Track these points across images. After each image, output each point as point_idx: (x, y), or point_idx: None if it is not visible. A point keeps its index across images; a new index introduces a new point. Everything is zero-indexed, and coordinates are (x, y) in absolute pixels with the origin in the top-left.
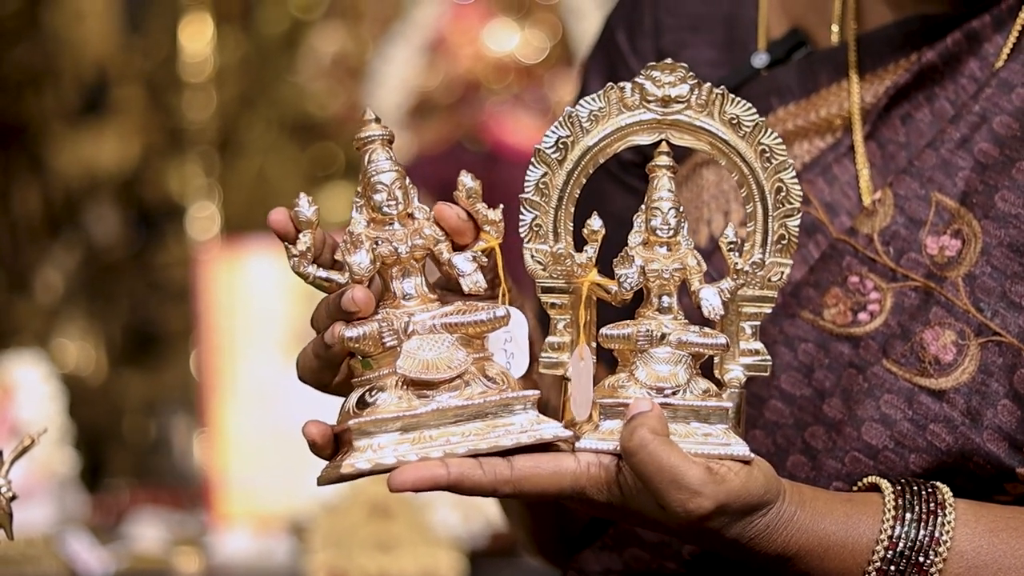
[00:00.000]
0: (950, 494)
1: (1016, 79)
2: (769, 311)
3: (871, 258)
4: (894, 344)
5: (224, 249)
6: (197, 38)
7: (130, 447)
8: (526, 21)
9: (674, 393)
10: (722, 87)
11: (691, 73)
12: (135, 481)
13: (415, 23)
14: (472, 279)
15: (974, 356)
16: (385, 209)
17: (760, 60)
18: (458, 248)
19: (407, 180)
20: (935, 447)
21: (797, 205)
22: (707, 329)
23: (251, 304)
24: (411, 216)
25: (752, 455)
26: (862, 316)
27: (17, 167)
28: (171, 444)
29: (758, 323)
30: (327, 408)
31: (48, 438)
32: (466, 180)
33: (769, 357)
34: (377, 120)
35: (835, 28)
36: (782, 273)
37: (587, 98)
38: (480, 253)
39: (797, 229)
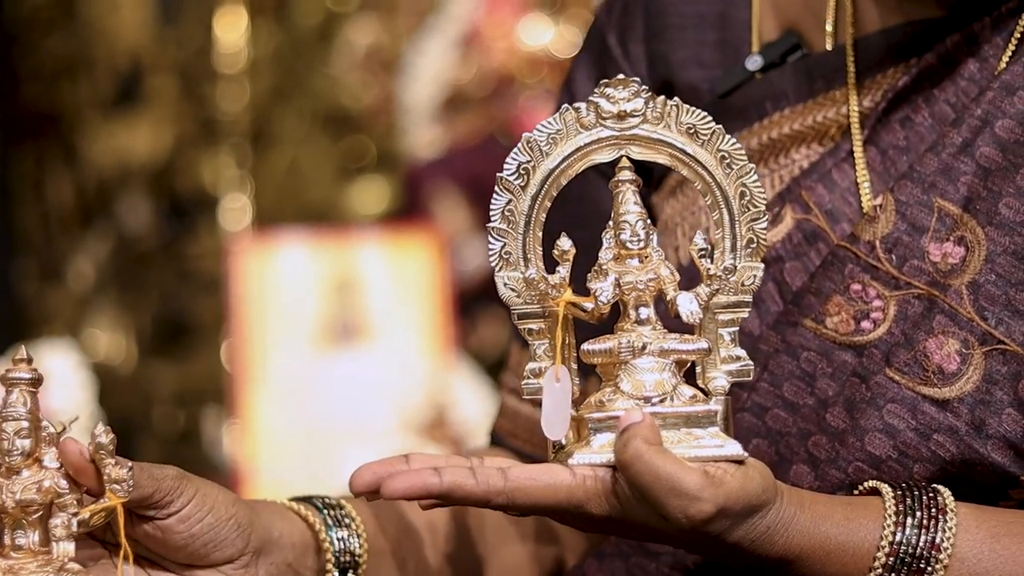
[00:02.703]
0: (951, 498)
1: (1019, 82)
2: (746, 315)
3: (873, 265)
4: (897, 353)
5: (255, 241)
6: (231, 29)
7: (160, 437)
8: (560, 15)
9: (661, 401)
10: (675, 98)
11: (644, 87)
12: None
13: (449, 16)
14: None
15: (978, 365)
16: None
17: (754, 63)
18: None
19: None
20: (939, 457)
21: (762, 208)
22: (687, 336)
23: (282, 296)
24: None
25: (746, 453)
26: (865, 324)
27: (51, 156)
28: (201, 434)
29: (737, 329)
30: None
31: (78, 427)
32: (100, 436)
33: (751, 362)
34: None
35: (830, 31)
36: (755, 276)
37: (544, 121)
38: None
39: (765, 232)
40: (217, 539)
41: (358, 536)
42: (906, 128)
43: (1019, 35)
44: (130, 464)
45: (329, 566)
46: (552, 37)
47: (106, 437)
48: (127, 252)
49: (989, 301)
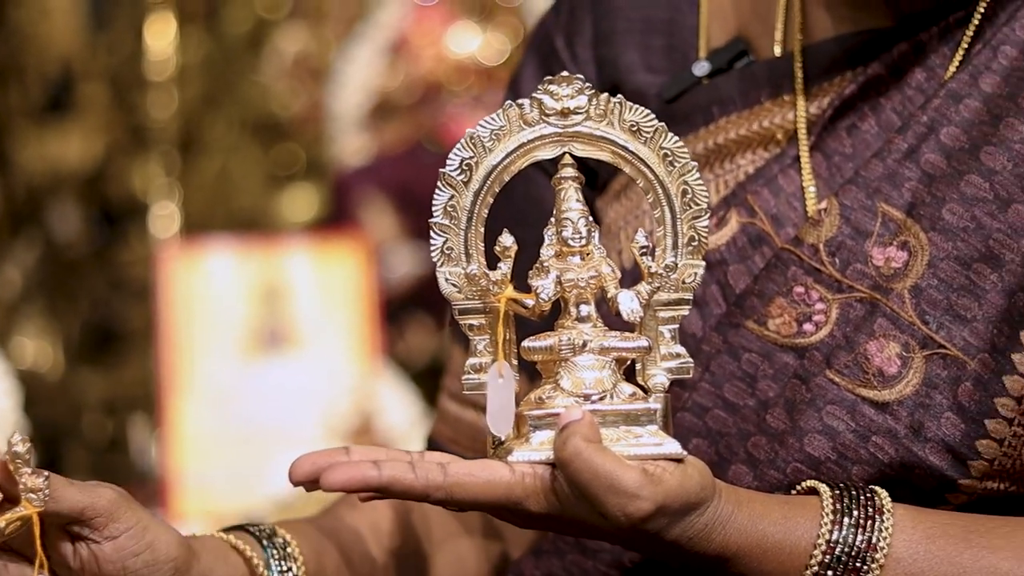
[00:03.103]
0: (888, 499)
1: (964, 90)
2: (686, 313)
3: (816, 268)
4: (838, 355)
5: (184, 248)
6: (161, 36)
7: (88, 445)
8: (488, 23)
9: (601, 399)
10: (619, 96)
11: (588, 84)
12: (93, 479)
13: (377, 24)
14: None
15: (918, 369)
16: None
17: (701, 68)
18: None
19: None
20: (877, 459)
21: (704, 206)
22: (627, 333)
23: (210, 303)
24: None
25: (685, 452)
26: (807, 327)
27: None
28: (129, 442)
29: (677, 327)
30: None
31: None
32: (16, 445)
33: (691, 360)
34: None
35: (778, 39)
36: (695, 275)
37: (487, 118)
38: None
39: (706, 230)
40: None
41: (296, 564)
42: (852, 135)
43: (966, 45)
44: (47, 474)
45: None
46: (480, 45)
47: (22, 446)
48: (56, 259)
49: (931, 306)
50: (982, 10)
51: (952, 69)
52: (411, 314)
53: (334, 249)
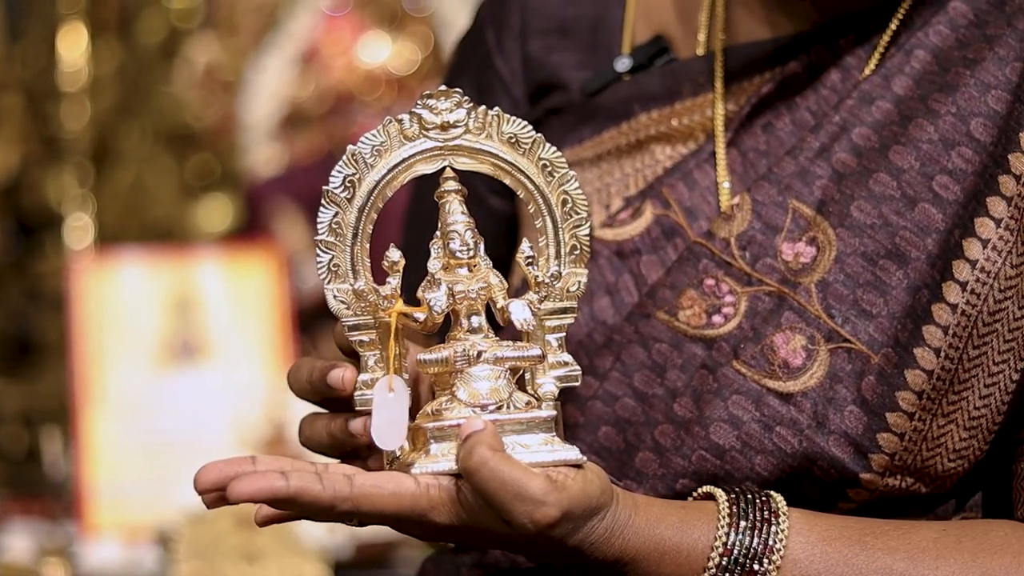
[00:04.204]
0: (784, 503)
1: (877, 92)
2: (572, 321)
3: (727, 262)
4: (745, 346)
5: (97, 259)
6: (74, 47)
7: (4, 457)
8: (398, 33)
9: (498, 408)
10: (496, 108)
11: (466, 97)
12: (7, 492)
13: (288, 34)
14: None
15: (823, 361)
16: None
17: (623, 64)
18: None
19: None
20: (781, 450)
21: (584, 215)
22: (519, 343)
23: (123, 314)
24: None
25: (584, 458)
26: (716, 319)
27: None
28: (43, 454)
29: (563, 335)
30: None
31: None
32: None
33: (579, 368)
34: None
35: (701, 39)
36: (579, 283)
37: (367, 134)
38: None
39: (588, 238)
40: None
41: None
42: (767, 133)
43: (883, 49)
44: None
45: None
46: (390, 55)
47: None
48: None
49: (837, 300)
50: (900, 16)
51: (867, 71)
52: (323, 325)
53: (246, 260)
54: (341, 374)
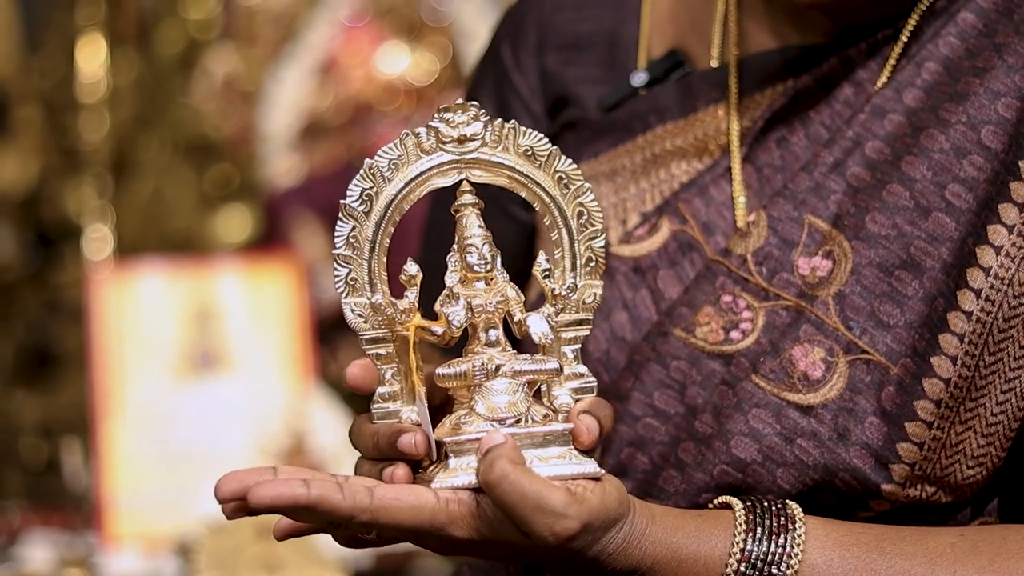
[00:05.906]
0: (800, 510)
1: (889, 105)
2: (587, 333)
3: (744, 278)
4: (764, 361)
5: (117, 270)
6: (92, 59)
7: (24, 468)
8: (417, 43)
9: (517, 422)
10: (512, 121)
11: (483, 110)
12: (28, 502)
13: (306, 44)
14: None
15: (842, 373)
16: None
17: (639, 79)
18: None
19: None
20: (802, 462)
21: (600, 227)
22: (538, 356)
23: (142, 325)
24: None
25: (602, 471)
26: (734, 334)
27: None
28: (63, 465)
29: (579, 346)
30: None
31: None
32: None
33: (594, 379)
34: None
35: (715, 52)
36: (595, 295)
37: (385, 148)
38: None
39: (603, 250)
40: None
41: None
42: (782, 148)
43: (894, 61)
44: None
45: None
46: (408, 65)
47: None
48: None
49: (854, 312)
50: (911, 28)
51: (879, 84)
52: (343, 335)
53: (265, 270)
54: (412, 439)
